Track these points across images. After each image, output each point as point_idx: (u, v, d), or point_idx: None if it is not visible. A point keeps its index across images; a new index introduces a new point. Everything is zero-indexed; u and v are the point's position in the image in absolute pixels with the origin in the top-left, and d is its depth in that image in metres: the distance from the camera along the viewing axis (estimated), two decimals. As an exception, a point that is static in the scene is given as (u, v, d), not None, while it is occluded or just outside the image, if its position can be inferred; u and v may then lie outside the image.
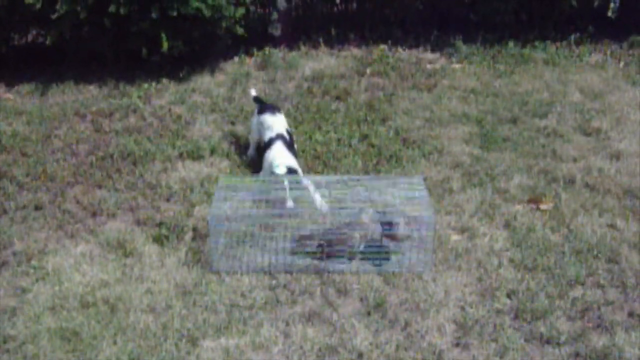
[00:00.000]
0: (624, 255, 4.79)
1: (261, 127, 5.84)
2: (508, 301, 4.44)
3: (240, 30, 7.65)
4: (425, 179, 5.35)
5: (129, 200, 5.51)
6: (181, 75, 7.61)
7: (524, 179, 5.68)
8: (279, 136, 5.64)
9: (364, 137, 6.34)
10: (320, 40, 8.41)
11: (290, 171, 5.32)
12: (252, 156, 6.04)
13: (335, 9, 8.90)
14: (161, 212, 5.36)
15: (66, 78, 7.60)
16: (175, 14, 7.10)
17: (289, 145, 5.66)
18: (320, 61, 8.02)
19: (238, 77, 7.61)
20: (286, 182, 5.12)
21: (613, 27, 8.34)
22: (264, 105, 6.08)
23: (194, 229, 5.14)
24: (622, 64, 7.85)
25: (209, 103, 7.08)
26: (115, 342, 4.15)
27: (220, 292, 4.52)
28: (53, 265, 4.80)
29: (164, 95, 7.28)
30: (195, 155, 6.11)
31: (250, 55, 8.12)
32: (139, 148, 6.20)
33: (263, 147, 5.71)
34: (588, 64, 7.85)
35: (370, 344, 4.12)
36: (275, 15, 8.04)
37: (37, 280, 4.67)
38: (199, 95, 7.28)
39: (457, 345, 4.13)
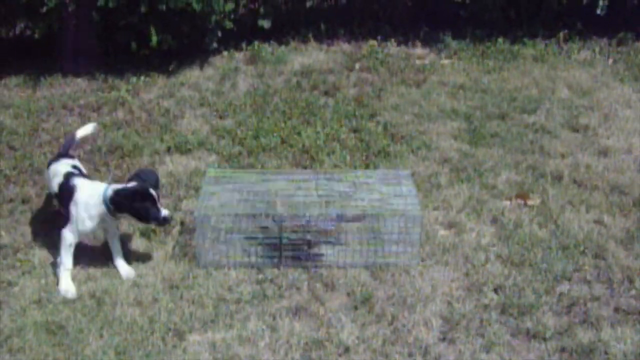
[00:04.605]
0: (610, 251, 4.81)
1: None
2: (495, 296, 4.45)
3: (229, 25, 7.63)
4: (413, 174, 5.36)
5: (117, 194, 5.49)
6: (170, 69, 7.57)
7: (512, 175, 5.70)
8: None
9: (353, 132, 6.34)
10: (310, 35, 8.40)
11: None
12: None
13: (325, 3, 8.89)
14: (149, 206, 5.34)
15: (54, 71, 7.56)
16: (164, 8, 7.07)
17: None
18: (309, 56, 8.01)
19: (227, 71, 7.59)
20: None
21: (602, 24, 8.35)
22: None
23: (182, 223, 5.13)
24: (610, 61, 7.87)
25: (198, 97, 7.05)
26: (101, 336, 4.14)
27: (207, 286, 4.52)
28: (39, 259, 4.78)
29: (152, 89, 7.25)
30: (183, 149, 6.09)
31: (239, 49, 8.10)
32: (127, 142, 6.17)
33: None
34: (576, 61, 7.86)
35: (357, 338, 4.12)
36: None
37: (23, 274, 4.65)
38: (187, 89, 7.25)
39: (444, 339, 4.14)
